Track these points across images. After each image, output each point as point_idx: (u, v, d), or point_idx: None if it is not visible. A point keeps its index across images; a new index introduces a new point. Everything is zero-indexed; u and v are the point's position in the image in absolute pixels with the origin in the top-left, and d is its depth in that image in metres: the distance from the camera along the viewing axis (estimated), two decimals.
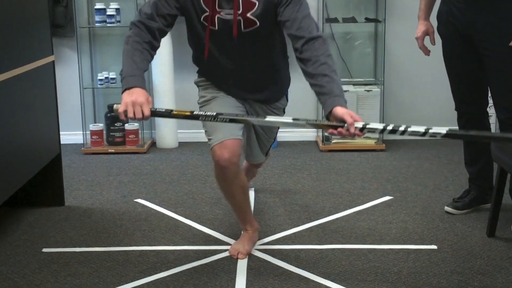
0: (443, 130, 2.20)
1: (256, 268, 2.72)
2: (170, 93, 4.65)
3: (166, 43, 4.41)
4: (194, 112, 2.33)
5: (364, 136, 2.47)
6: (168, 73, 4.62)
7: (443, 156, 4.39)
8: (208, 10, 2.52)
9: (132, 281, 2.62)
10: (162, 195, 3.67)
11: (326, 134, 4.33)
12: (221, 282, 2.60)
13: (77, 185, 3.87)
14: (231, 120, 2.33)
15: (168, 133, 4.73)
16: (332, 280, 2.59)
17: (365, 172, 4.06)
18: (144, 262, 2.79)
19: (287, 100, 2.97)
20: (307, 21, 2.45)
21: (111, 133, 4.67)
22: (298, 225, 3.17)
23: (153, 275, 2.66)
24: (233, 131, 2.61)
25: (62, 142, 3.54)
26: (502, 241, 2.95)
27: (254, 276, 2.64)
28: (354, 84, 4.69)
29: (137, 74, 2.38)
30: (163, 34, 2.56)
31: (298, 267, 2.71)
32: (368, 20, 4.63)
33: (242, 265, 2.74)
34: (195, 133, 4.76)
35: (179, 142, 4.80)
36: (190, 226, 3.20)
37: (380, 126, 2.22)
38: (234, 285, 2.57)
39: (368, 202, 3.50)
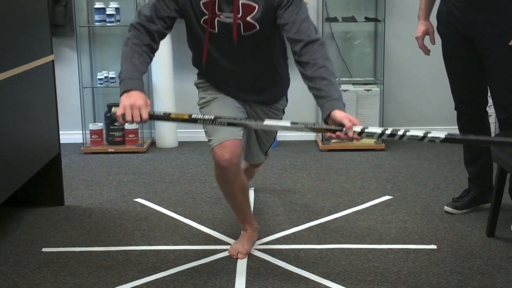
0: (441, 134, 2.20)
1: (256, 268, 2.72)
2: (170, 93, 4.65)
3: (165, 43, 4.41)
4: (193, 116, 2.31)
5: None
6: (168, 73, 4.62)
7: (443, 155, 4.39)
8: (207, 13, 2.52)
9: (131, 280, 2.62)
10: (162, 194, 3.67)
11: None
12: (221, 282, 2.60)
13: (76, 185, 3.87)
14: (229, 124, 2.32)
15: (168, 132, 4.73)
16: (332, 280, 2.59)
17: (365, 171, 4.06)
18: (143, 261, 2.79)
19: (287, 100, 2.97)
20: (306, 24, 2.44)
21: (110, 133, 4.67)
22: (298, 225, 3.17)
23: (152, 274, 2.66)
24: (234, 132, 2.60)
25: (61, 141, 3.53)
26: (502, 241, 2.95)
27: (254, 276, 2.64)
28: (353, 84, 4.69)
29: (136, 77, 2.38)
30: (162, 37, 2.55)
31: (298, 267, 2.71)
32: (367, 19, 4.63)
33: (241, 265, 2.74)
34: (195, 132, 4.76)
35: (178, 142, 4.80)
36: (190, 225, 3.20)
37: (378, 130, 2.22)
38: (234, 285, 2.57)
39: (367, 201, 3.50)
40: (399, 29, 4.64)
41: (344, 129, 2.21)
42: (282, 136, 4.75)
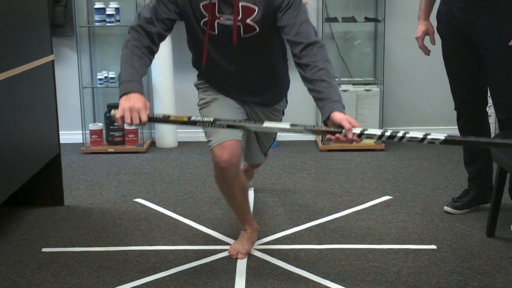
0: (441, 136, 2.20)
1: (256, 268, 2.72)
2: (170, 93, 4.65)
3: (165, 43, 4.38)
4: (192, 118, 2.31)
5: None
6: (167, 73, 4.62)
7: (442, 155, 4.39)
8: (207, 15, 2.51)
9: (131, 281, 2.62)
10: (162, 194, 3.67)
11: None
12: (221, 282, 2.60)
13: (76, 185, 3.87)
14: (229, 126, 2.32)
15: (168, 132, 4.73)
16: (332, 280, 2.59)
17: (365, 171, 4.06)
18: (143, 262, 2.79)
19: (287, 102, 2.97)
20: (305, 26, 2.44)
21: (110, 133, 4.67)
22: (298, 225, 3.17)
23: (152, 275, 2.66)
24: (233, 132, 2.60)
25: (61, 141, 3.54)
26: (502, 241, 2.95)
27: (254, 276, 2.64)
28: (353, 84, 4.69)
29: (135, 80, 2.37)
30: (162, 39, 2.55)
31: (298, 267, 2.71)
32: (367, 19, 4.63)
33: (241, 265, 2.74)
34: (195, 132, 4.76)
35: (178, 142, 4.80)
36: (190, 225, 3.20)
37: (378, 132, 2.22)
38: (234, 285, 2.57)
39: (367, 202, 3.50)
40: (399, 29, 4.64)
41: (343, 131, 2.20)
42: (282, 136, 4.75)
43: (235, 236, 2.99)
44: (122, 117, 2.30)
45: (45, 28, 3.29)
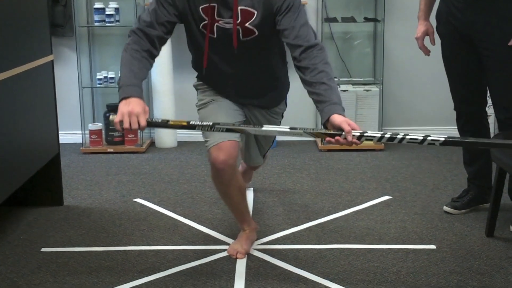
0: (441, 137, 2.20)
1: (255, 268, 2.72)
2: (170, 93, 4.65)
3: (165, 43, 4.40)
4: (191, 122, 2.30)
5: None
6: (167, 73, 4.62)
7: (442, 155, 4.39)
8: (206, 19, 2.51)
9: (131, 280, 2.62)
10: (161, 194, 3.67)
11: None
12: (220, 281, 2.60)
13: (76, 185, 3.87)
14: (228, 130, 2.32)
15: (167, 132, 4.72)
16: (331, 280, 2.59)
17: (364, 171, 4.06)
18: (143, 262, 2.79)
19: (286, 105, 2.96)
20: (304, 29, 2.44)
21: (110, 133, 4.67)
22: (297, 225, 3.17)
23: (152, 275, 2.66)
24: (230, 133, 2.60)
25: (61, 141, 3.54)
26: (501, 241, 2.95)
27: (253, 276, 2.64)
28: (353, 84, 4.69)
29: (135, 84, 2.36)
30: (163, 42, 2.54)
31: (297, 267, 2.71)
32: (367, 19, 4.63)
33: (241, 265, 2.74)
34: (194, 132, 4.72)
35: (178, 142, 4.80)
36: (189, 225, 3.20)
37: (378, 134, 2.22)
38: (233, 285, 2.57)
39: (367, 202, 3.50)
40: (399, 29, 4.64)
41: (343, 133, 2.20)
42: (281, 136, 4.74)
43: (234, 236, 2.99)
44: (121, 122, 2.29)
45: (45, 28, 3.29)
